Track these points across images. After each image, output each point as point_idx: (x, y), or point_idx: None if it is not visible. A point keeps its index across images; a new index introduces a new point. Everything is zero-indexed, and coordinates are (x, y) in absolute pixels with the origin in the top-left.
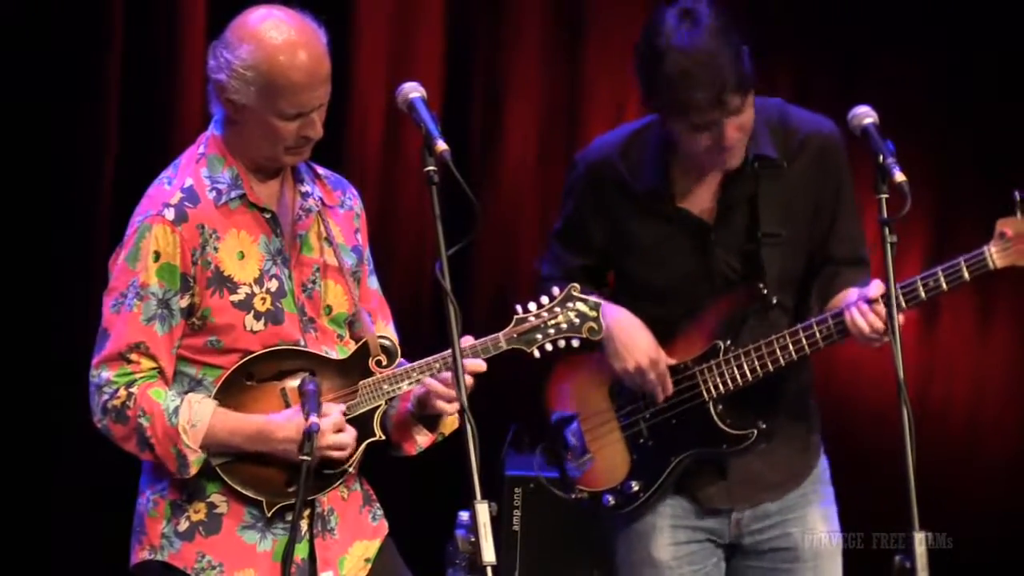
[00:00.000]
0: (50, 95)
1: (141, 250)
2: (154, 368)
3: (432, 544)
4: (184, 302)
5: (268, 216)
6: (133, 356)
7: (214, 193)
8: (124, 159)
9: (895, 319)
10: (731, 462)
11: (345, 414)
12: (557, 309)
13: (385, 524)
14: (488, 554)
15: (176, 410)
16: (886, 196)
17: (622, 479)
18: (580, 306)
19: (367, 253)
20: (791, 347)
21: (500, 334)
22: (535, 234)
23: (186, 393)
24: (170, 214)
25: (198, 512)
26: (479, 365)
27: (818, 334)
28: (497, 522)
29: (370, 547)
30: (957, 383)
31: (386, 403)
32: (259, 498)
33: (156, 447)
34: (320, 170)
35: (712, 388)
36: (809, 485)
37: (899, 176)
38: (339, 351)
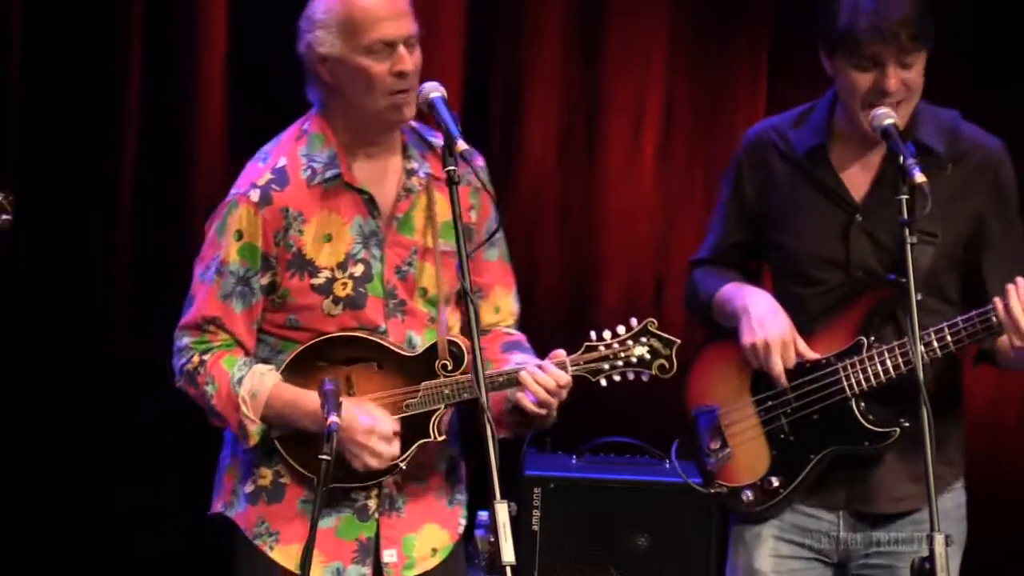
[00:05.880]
0: (69, 94)
1: (227, 226)
2: (231, 340)
3: None
4: (265, 280)
5: (366, 197)
6: (210, 328)
7: (308, 172)
8: (143, 157)
9: (915, 322)
10: (860, 467)
11: (402, 411)
12: (630, 342)
13: (460, 512)
14: (508, 554)
15: (240, 380)
16: (906, 197)
17: (762, 474)
18: (655, 342)
19: (487, 225)
20: (935, 343)
21: (568, 359)
22: (555, 233)
23: (265, 360)
24: (255, 195)
25: (264, 477)
26: (561, 377)
27: (964, 331)
28: (516, 522)
29: (441, 536)
30: (977, 386)
31: (444, 407)
32: (311, 476)
33: (222, 414)
34: (438, 141)
35: (855, 384)
36: (936, 514)
37: (919, 177)
38: (427, 335)
